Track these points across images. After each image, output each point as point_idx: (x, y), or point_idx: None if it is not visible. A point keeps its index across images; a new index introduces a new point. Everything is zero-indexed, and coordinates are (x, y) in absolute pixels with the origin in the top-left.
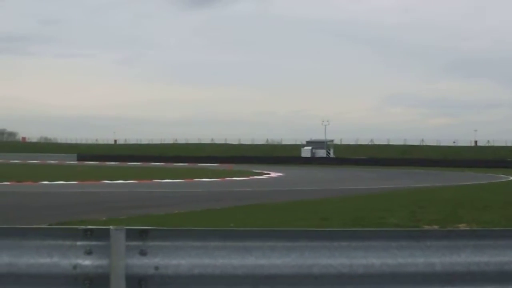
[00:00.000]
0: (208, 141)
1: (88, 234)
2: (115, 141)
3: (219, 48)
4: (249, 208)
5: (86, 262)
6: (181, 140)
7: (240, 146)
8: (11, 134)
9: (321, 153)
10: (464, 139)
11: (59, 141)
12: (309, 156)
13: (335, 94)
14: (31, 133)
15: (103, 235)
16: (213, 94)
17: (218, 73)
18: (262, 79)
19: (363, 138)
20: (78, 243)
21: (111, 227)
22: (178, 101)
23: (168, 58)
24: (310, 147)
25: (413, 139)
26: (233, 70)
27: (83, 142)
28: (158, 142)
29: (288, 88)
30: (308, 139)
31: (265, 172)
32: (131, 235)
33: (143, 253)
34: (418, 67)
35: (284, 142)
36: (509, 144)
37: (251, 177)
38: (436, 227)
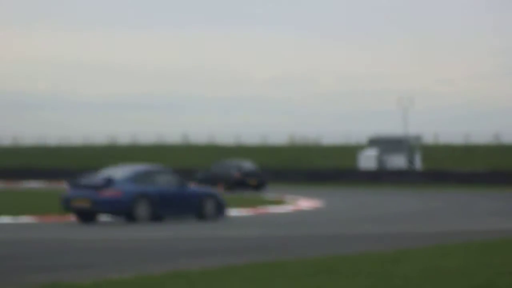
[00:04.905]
0: (177, 140)
1: None
2: None
3: None
4: (253, 269)
5: None
6: (123, 139)
7: (238, 150)
8: None
9: (398, 161)
10: None
11: None
12: (374, 167)
13: (425, 50)
14: None
15: None
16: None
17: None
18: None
19: (479, 132)
20: None
21: None
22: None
23: None
24: (375, 152)
25: None
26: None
27: None
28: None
29: (330, 36)
30: (372, 136)
31: (290, 198)
32: None
33: None
34: None
35: (324, 142)
36: None
37: (261, 209)
38: None
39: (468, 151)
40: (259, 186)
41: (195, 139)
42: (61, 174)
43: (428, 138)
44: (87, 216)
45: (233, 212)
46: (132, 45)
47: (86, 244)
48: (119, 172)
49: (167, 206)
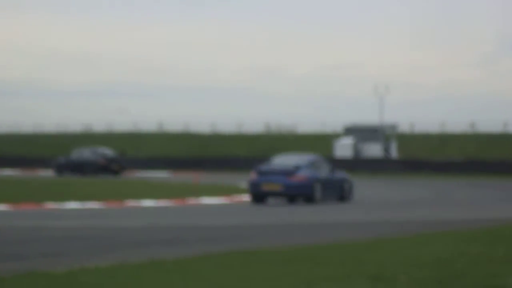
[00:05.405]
0: (153, 129)
1: None
2: None
3: None
4: (231, 258)
5: None
6: (98, 127)
7: (213, 139)
8: None
9: (374, 150)
10: None
11: None
12: (350, 155)
13: (402, 38)
14: None
15: None
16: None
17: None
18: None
19: (456, 120)
20: None
21: None
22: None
23: None
24: (351, 140)
25: None
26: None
27: None
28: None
29: (308, 27)
30: (348, 124)
31: None
32: None
33: None
34: None
35: (300, 130)
36: None
37: (233, 198)
38: None
39: (444, 140)
40: (120, 171)
41: (170, 128)
42: (35, 162)
43: (404, 127)
44: (261, 198)
45: (210, 200)
46: (107, 33)
47: (62, 232)
48: (296, 160)
49: (328, 189)
